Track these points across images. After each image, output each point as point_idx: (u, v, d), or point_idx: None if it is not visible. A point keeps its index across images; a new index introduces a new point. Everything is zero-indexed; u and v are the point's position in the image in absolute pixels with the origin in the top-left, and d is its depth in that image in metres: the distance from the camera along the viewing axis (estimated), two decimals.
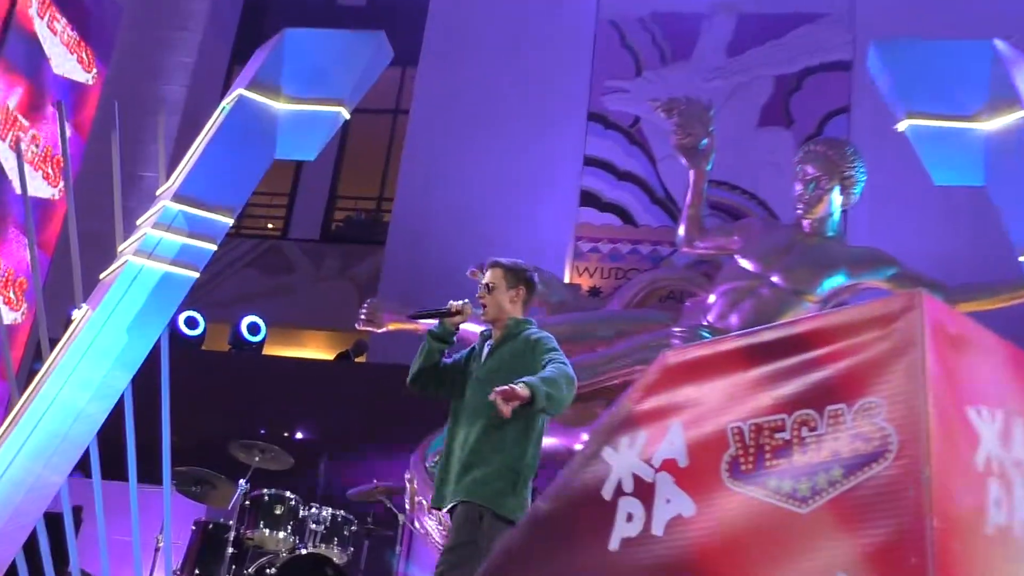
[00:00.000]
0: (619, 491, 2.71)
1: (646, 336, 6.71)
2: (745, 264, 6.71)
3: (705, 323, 6.55)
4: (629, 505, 2.67)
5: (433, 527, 5.98)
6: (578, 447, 5.75)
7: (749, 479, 2.51)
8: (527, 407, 3.77)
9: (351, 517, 6.64)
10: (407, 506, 6.18)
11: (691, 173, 6.85)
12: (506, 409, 3.68)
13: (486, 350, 4.19)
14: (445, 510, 4.09)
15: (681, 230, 6.97)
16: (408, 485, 6.19)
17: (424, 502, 6.10)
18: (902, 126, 5.33)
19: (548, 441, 6.11)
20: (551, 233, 11.91)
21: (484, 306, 4.21)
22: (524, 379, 3.79)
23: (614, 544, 2.65)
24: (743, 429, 2.57)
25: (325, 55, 6.61)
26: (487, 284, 4.22)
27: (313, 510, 6.56)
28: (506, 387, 3.71)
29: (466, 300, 4.21)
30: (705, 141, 6.74)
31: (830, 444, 2.42)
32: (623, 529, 2.66)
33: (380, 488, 6.68)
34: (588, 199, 12.08)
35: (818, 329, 2.58)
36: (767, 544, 2.42)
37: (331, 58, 6.57)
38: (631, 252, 11.78)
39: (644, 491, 2.67)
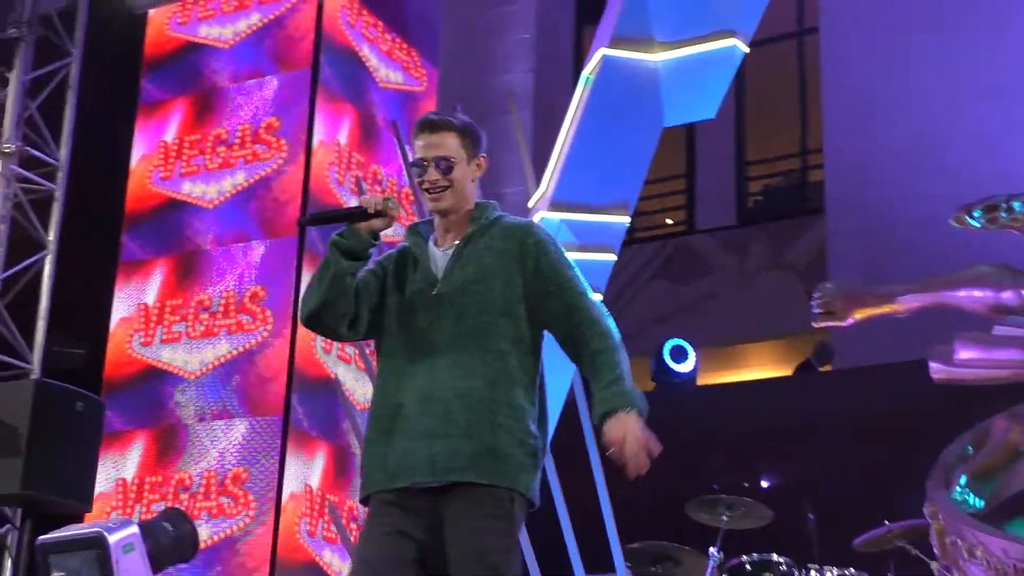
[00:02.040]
0: None
1: None
2: None
3: None
4: None
5: (979, 573, 5.70)
6: None
7: None
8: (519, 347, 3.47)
9: (866, 575, 6.53)
10: (936, 550, 5.94)
11: None
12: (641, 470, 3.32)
13: (439, 254, 3.66)
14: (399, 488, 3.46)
15: None
16: (932, 522, 5.94)
17: (959, 542, 5.82)
18: None
19: None
20: None
21: (439, 191, 3.61)
22: (609, 392, 3.36)
23: None
24: None
25: None
26: (441, 159, 3.60)
27: (814, 573, 6.48)
28: (618, 435, 3.28)
29: (389, 195, 3.79)
30: None
31: None
32: None
33: (896, 531, 6.51)
34: None
35: None
36: None
37: None
38: None
39: None
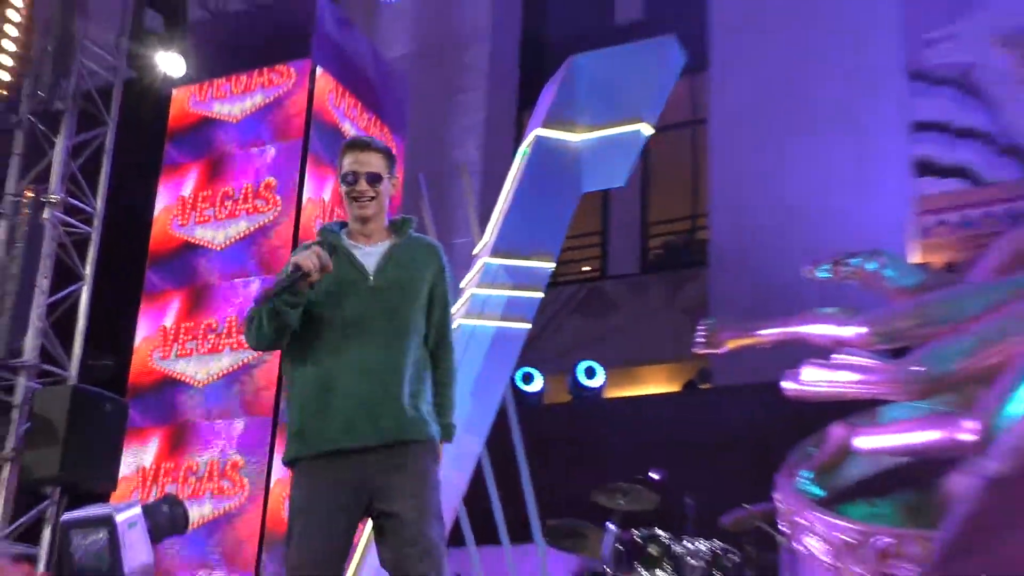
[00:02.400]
0: None
1: (1020, 304, 6.27)
2: None
3: None
4: None
5: (817, 546, 5.84)
6: (963, 436, 5.47)
7: None
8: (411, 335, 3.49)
9: (730, 547, 6.55)
10: (784, 528, 6.08)
11: None
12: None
13: (365, 250, 3.56)
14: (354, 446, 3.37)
15: None
16: (780, 506, 6.08)
17: (802, 520, 5.97)
18: None
19: (927, 436, 5.92)
20: (886, 215, 11.52)
21: (367, 200, 3.54)
22: (441, 425, 3.56)
23: None
24: None
25: (615, 74, 6.70)
26: (370, 174, 3.54)
27: (688, 545, 6.50)
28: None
29: (316, 250, 3.39)
30: None
31: None
32: None
33: (754, 514, 6.57)
34: (923, 168, 11.62)
35: None
36: None
37: (622, 75, 6.66)
38: (984, 215, 11.19)
39: None
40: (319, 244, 3.53)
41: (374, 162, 3.58)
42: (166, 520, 4.11)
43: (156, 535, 4.05)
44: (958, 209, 11.31)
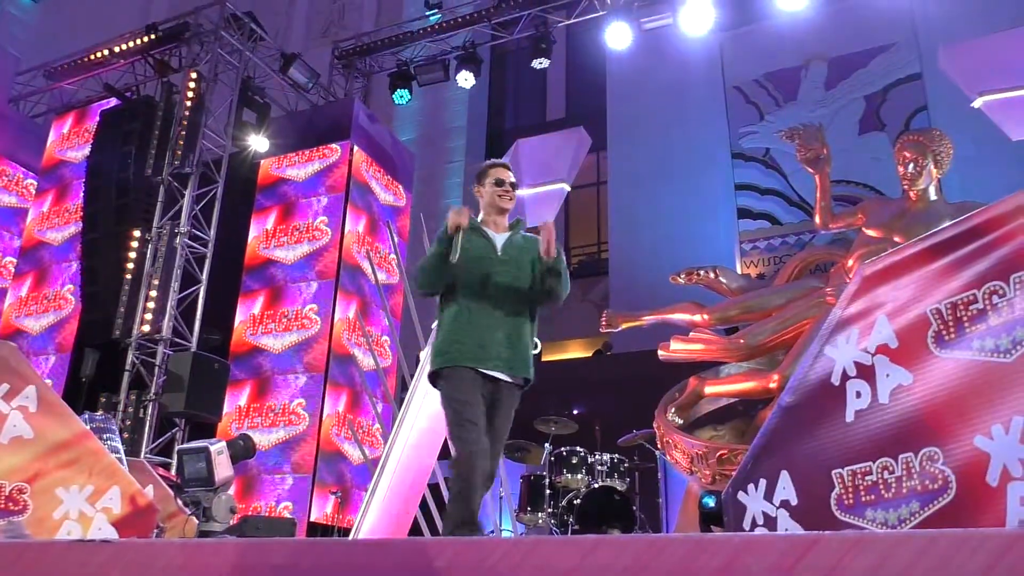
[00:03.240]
0: (845, 376, 2.46)
1: (806, 299, 6.22)
2: (871, 233, 6.02)
3: (849, 280, 5.93)
4: (856, 386, 2.43)
5: (679, 457, 5.75)
6: (771, 385, 5.37)
7: (954, 345, 2.17)
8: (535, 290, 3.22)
9: (623, 458, 6.52)
10: (659, 445, 5.98)
11: (817, 178, 6.10)
12: (552, 249, 3.18)
13: (496, 235, 3.34)
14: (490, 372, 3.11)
15: (817, 220, 6.19)
16: (656, 431, 5.98)
17: (670, 440, 5.86)
18: (977, 103, 4.76)
19: (748, 385, 5.85)
20: (721, 243, 11.51)
21: (510, 198, 3.39)
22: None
23: (850, 417, 2.40)
24: (940, 309, 2.23)
25: (547, 151, 6.63)
26: (512, 183, 3.42)
27: (597, 456, 6.47)
28: (546, 231, 3.19)
29: (464, 208, 3.21)
30: (823, 152, 6.10)
31: (1020, 303, 2.06)
32: (855, 404, 2.41)
33: (640, 436, 6.51)
34: (743, 213, 11.61)
35: (989, 219, 2.20)
36: (981, 392, 2.07)
37: (551, 152, 6.59)
38: (781, 244, 11.22)
39: (866, 373, 2.41)
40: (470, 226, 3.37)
41: (513, 176, 3.49)
42: (240, 450, 3.95)
43: (234, 459, 3.88)
44: (765, 240, 11.34)
